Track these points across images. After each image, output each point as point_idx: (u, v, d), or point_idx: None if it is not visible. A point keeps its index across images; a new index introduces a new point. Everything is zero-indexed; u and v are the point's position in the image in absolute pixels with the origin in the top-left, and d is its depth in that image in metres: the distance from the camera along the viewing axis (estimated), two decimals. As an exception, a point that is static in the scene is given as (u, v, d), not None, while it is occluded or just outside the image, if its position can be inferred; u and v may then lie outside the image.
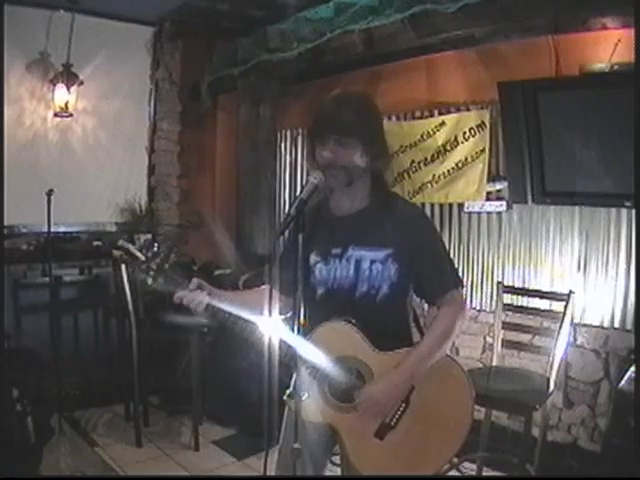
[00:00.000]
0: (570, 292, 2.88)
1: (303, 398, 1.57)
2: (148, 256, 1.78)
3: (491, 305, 3.33)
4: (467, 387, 1.70)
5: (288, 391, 1.67)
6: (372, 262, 1.69)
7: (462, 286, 1.80)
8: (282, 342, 1.61)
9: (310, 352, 1.60)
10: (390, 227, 1.70)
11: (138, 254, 1.78)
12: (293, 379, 1.62)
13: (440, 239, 1.84)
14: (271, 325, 1.63)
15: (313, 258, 1.73)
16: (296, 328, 1.51)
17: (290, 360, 1.58)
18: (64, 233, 4.07)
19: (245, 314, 1.72)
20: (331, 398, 1.67)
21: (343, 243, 1.72)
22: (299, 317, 1.50)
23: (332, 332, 1.66)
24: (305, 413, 1.61)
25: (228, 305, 1.73)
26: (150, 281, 1.78)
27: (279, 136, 4.57)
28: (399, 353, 1.67)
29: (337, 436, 1.69)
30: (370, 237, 1.70)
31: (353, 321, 1.67)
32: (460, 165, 3.41)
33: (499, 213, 3.34)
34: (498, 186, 3.30)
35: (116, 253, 1.79)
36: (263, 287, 1.81)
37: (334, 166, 1.63)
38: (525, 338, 3.05)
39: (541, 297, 3.05)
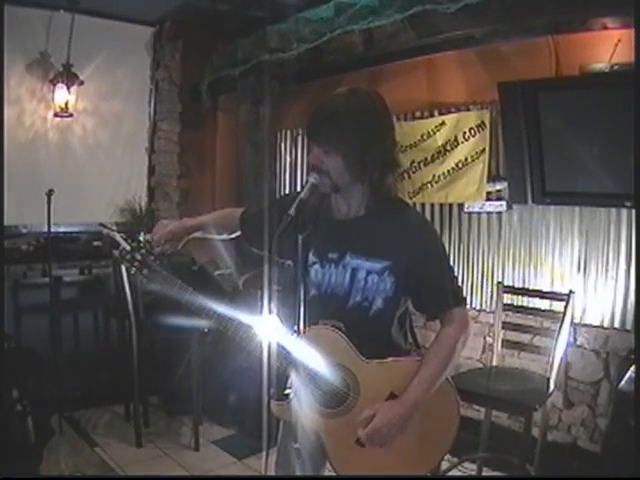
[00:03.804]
0: (570, 292, 2.88)
1: (287, 400, 1.57)
2: (133, 246, 1.76)
3: (491, 305, 3.34)
4: (452, 397, 1.67)
5: (271, 391, 1.66)
6: (368, 273, 1.65)
7: (464, 304, 1.71)
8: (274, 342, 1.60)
9: (297, 354, 1.57)
10: (389, 238, 1.65)
11: (123, 243, 1.76)
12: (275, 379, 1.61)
13: (443, 253, 1.73)
14: (265, 326, 1.61)
15: (311, 258, 1.71)
16: (294, 328, 1.50)
17: (277, 360, 1.56)
18: (64, 233, 4.07)
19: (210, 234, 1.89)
20: (315, 403, 1.64)
21: (340, 249, 1.68)
22: (298, 317, 1.49)
23: (319, 337, 1.62)
24: (291, 415, 1.60)
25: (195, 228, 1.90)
26: (134, 271, 1.76)
27: (279, 136, 4.58)
28: (387, 362, 1.64)
29: (319, 440, 1.67)
30: (368, 246, 1.66)
31: (342, 327, 1.64)
32: (460, 165, 3.41)
33: (499, 213, 3.34)
34: (498, 186, 3.30)
35: (116, 253, 1.79)
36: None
37: (318, 170, 1.60)
38: (525, 338, 3.05)
39: (541, 297, 3.05)
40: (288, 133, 4.54)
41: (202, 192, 4.85)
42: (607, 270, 2.93)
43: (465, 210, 3.46)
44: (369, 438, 1.61)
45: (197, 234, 1.92)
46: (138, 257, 1.76)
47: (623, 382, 2.24)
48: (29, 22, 3.91)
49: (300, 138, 4.44)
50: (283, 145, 4.59)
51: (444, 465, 2.81)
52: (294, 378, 1.60)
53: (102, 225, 1.96)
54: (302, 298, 1.49)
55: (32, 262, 3.84)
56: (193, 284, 1.77)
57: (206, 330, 3.36)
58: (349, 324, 1.65)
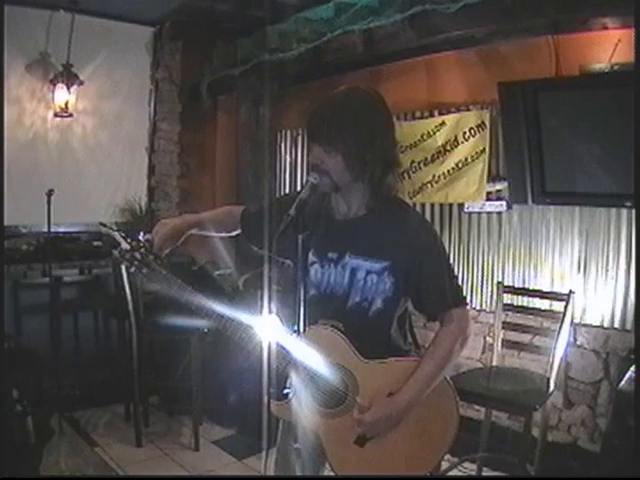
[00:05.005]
0: (570, 292, 2.88)
1: (287, 399, 1.57)
2: (133, 245, 1.77)
3: (491, 305, 3.33)
4: (451, 396, 1.67)
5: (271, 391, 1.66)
6: (368, 273, 1.65)
7: (464, 304, 1.71)
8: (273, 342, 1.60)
9: (296, 354, 1.57)
10: (389, 238, 1.65)
11: (123, 242, 1.77)
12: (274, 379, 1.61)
13: (443, 254, 1.72)
14: (265, 325, 1.61)
15: (310, 258, 1.70)
16: (294, 328, 1.50)
17: (276, 360, 1.56)
18: (64, 233, 4.07)
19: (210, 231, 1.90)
20: (314, 403, 1.65)
21: (340, 249, 1.68)
22: (298, 317, 1.49)
23: (318, 337, 1.62)
24: (291, 414, 1.61)
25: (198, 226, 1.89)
26: (133, 270, 1.76)
27: (279, 136, 4.57)
28: (386, 362, 1.64)
29: (318, 440, 1.67)
30: (367, 247, 1.66)
31: (341, 327, 1.64)
32: (460, 165, 3.40)
33: (499, 213, 3.34)
34: (498, 186, 3.30)
35: (115, 252, 1.79)
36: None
37: (319, 170, 1.60)
38: (525, 338, 3.05)
39: (541, 297, 3.05)
40: (288, 133, 4.54)
41: (202, 192, 4.85)
42: (607, 270, 2.93)
43: (465, 210, 3.46)
44: (359, 430, 1.61)
45: (195, 231, 1.92)
46: (137, 256, 1.77)
47: (623, 382, 2.24)
48: (29, 22, 3.91)
49: (300, 138, 4.44)
50: (283, 145, 4.59)
51: (444, 465, 2.81)
52: (293, 378, 1.60)
53: (102, 224, 1.96)
54: (302, 298, 1.49)
55: (32, 262, 3.84)
56: (193, 284, 1.77)
57: (206, 330, 3.36)
58: (348, 324, 1.65)
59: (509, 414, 3.16)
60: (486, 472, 3.04)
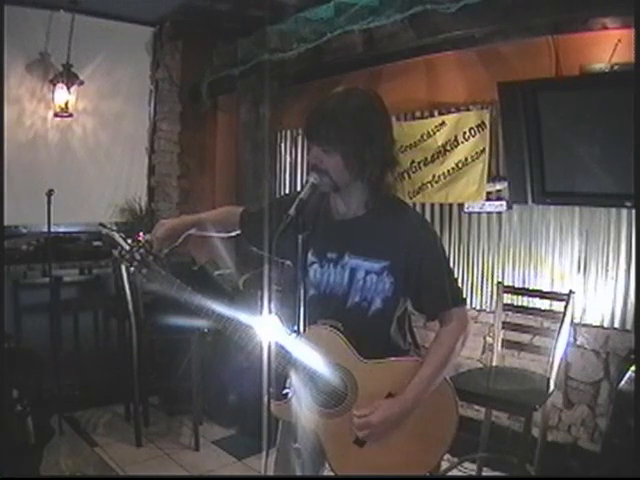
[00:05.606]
0: (570, 292, 2.88)
1: (286, 399, 1.57)
2: (132, 245, 1.78)
3: (491, 305, 3.33)
4: (451, 396, 1.67)
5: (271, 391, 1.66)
6: (367, 273, 1.65)
7: (463, 303, 1.71)
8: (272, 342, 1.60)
9: (295, 354, 1.57)
10: (388, 238, 1.65)
11: (122, 243, 1.77)
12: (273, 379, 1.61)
13: (442, 253, 1.72)
14: (265, 325, 1.60)
15: (310, 258, 1.70)
16: (294, 328, 1.50)
17: (275, 360, 1.56)
18: (64, 233, 4.07)
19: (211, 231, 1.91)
20: (313, 403, 1.65)
21: (339, 249, 1.68)
22: (298, 317, 1.49)
23: (317, 337, 1.61)
24: (291, 414, 1.60)
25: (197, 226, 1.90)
26: (133, 270, 1.77)
27: (279, 136, 4.58)
28: (385, 362, 1.64)
29: (318, 440, 1.67)
30: (367, 246, 1.66)
31: (340, 327, 1.64)
32: (460, 165, 3.40)
33: (499, 213, 3.34)
34: (498, 186, 3.30)
35: (115, 252, 1.79)
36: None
37: (319, 170, 1.60)
38: (525, 338, 3.05)
39: (541, 297, 3.05)
40: (288, 133, 4.54)
41: (202, 192, 4.84)
42: (607, 270, 2.93)
43: (465, 210, 3.46)
44: (361, 429, 1.61)
45: (194, 231, 1.92)
46: (137, 257, 1.77)
47: (623, 382, 2.24)
48: (29, 22, 3.91)
49: (300, 138, 4.44)
50: (283, 145, 4.59)
51: (444, 465, 2.81)
52: (293, 378, 1.60)
53: (102, 225, 1.97)
54: (302, 298, 1.49)
55: (32, 262, 3.84)
56: (193, 284, 1.77)
57: (206, 330, 3.36)
58: (348, 324, 1.65)
59: (509, 414, 3.16)
60: (486, 472, 3.04)
